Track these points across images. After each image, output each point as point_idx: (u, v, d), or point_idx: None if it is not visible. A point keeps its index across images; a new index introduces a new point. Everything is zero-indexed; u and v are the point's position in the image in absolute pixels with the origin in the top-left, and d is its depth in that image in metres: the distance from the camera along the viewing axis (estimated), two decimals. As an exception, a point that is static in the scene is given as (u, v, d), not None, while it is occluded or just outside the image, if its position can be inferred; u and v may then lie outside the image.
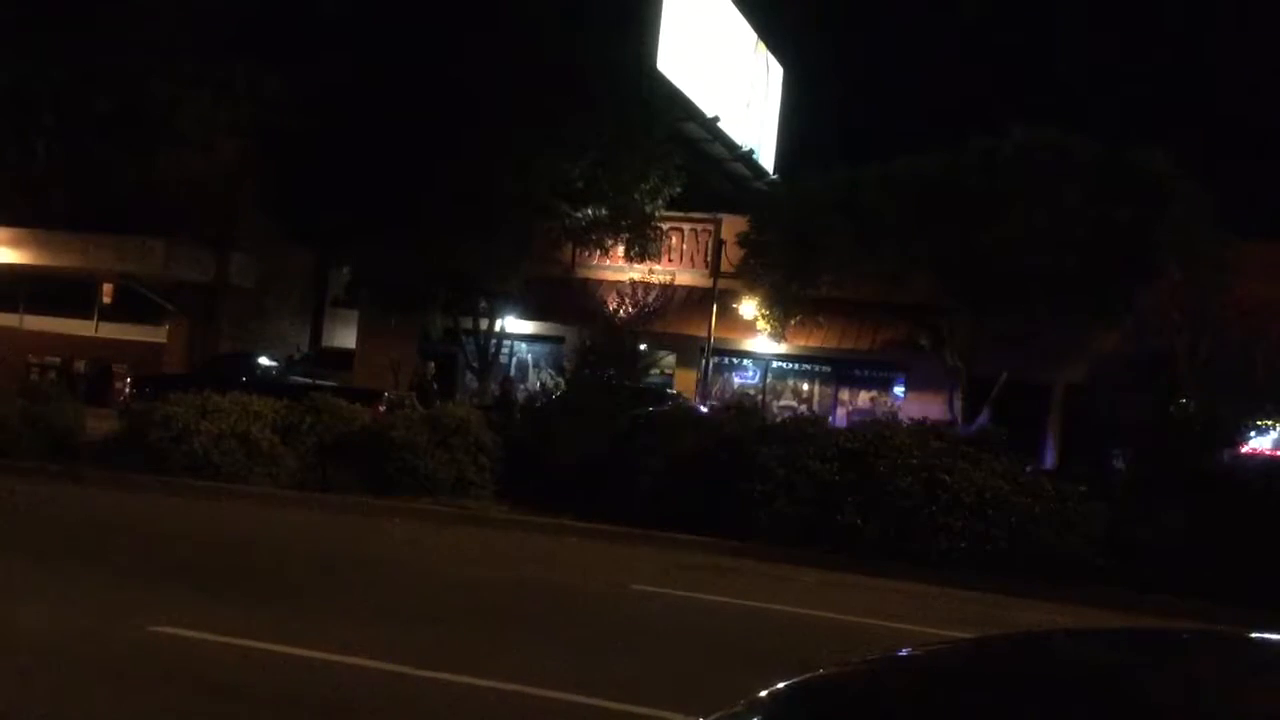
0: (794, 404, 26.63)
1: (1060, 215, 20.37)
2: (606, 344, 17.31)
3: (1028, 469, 14.30)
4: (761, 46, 35.97)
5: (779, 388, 27.26)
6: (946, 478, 13.23)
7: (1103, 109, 35.38)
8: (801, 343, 25.21)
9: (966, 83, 38.11)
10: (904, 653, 2.60)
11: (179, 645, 7.03)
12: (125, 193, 24.24)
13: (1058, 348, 21.94)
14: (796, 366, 27.09)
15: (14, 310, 30.72)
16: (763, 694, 2.21)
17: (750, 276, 24.14)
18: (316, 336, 32.55)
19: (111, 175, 21.97)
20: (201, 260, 28.61)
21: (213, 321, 29.33)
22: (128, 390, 22.73)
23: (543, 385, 22.16)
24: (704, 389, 25.53)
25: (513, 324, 26.10)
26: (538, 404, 17.52)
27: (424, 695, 6.44)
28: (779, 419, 19.78)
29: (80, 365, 28.50)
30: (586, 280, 26.59)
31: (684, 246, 26.90)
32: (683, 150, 25.40)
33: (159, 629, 7.28)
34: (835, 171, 23.62)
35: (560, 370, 18.80)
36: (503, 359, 26.40)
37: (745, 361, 27.27)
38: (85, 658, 6.69)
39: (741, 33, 34.38)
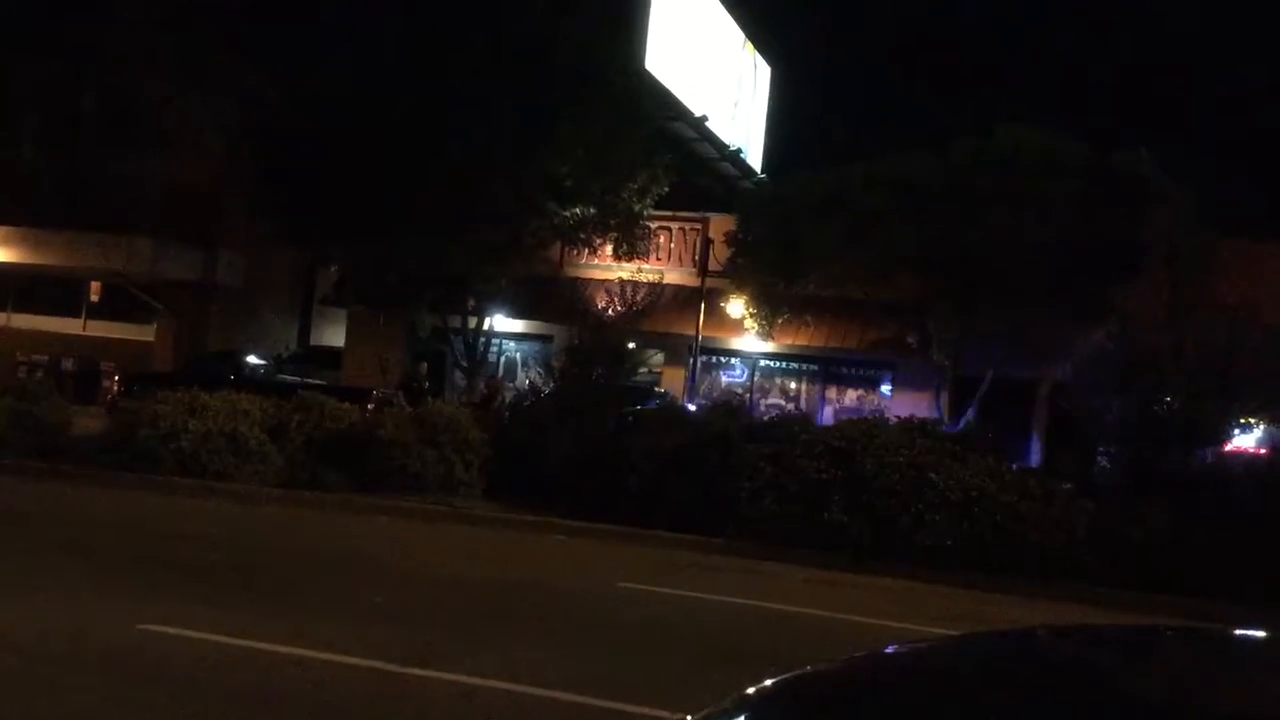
0: (781, 402, 26.69)
1: (1046, 215, 20.46)
2: (595, 342, 17.31)
3: (1013, 467, 14.37)
4: (749, 46, 36.01)
5: (766, 386, 27.30)
6: (933, 476, 13.30)
7: (1089, 110, 35.51)
8: (789, 341, 25.25)
9: (952, 83, 38.28)
10: (889, 650, 2.62)
11: (167, 643, 7.06)
12: (113, 191, 24.15)
13: (1043, 347, 22.01)
14: (784, 365, 27.12)
15: (1, 309, 30.63)
16: (749, 691, 2.22)
17: (738, 275, 24.15)
18: (305, 335, 32.52)
19: (99, 173, 21.91)
20: (189, 259, 28.51)
21: (201, 320, 29.24)
22: (116, 389, 22.68)
23: (531, 384, 22.15)
24: (692, 387, 25.57)
25: (501, 322, 26.08)
26: (526, 403, 17.55)
27: (411, 693, 6.47)
28: (766, 417, 19.85)
29: (68, 364, 28.38)
30: (575, 279, 26.57)
31: (672, 245, 26.90)
32: (671, 149, 25.40)
33: (147, 627, 7.31)
34: (822, 171, 23.65)
35: (548, 369, 18.81)
36: (491, 357, 26.39)
37: (733, 360, 27.30)
38: (74, 656, 6.70)
39: (729, 32, 34.43)
